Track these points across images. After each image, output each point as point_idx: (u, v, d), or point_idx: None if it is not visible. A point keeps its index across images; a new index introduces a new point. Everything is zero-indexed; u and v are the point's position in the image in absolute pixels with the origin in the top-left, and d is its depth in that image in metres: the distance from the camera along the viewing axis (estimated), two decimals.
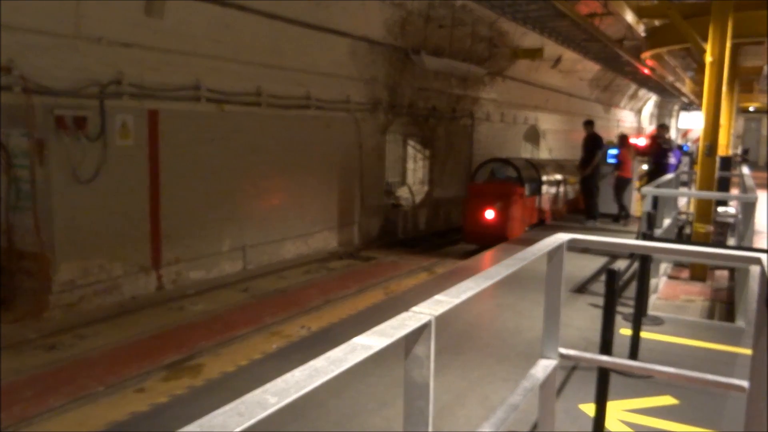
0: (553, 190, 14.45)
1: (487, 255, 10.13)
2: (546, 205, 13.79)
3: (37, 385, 5.71)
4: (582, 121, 13.52)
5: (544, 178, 13.76)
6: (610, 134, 24.86)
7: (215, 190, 9.58)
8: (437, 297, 1.94)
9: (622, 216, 13.28)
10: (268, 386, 1.22)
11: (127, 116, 8.16)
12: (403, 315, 1.73)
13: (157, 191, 8.64)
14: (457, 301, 1.95)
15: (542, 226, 13.25)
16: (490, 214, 11.77)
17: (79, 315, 7.54)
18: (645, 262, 5.30)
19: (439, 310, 1.82)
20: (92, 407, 5.21)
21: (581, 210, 14.00)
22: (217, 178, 9.58)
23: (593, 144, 12.69)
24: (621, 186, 13.14)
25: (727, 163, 13.87)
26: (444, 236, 14.63)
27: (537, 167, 13.60)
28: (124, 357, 6.43)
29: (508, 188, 12.04)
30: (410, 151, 15.71)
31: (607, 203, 13.38)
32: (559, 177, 14.95)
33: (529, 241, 2.81)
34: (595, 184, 12.98)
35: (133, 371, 5.97)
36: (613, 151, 13.66)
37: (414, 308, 1.80)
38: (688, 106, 35.73)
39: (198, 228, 9.34)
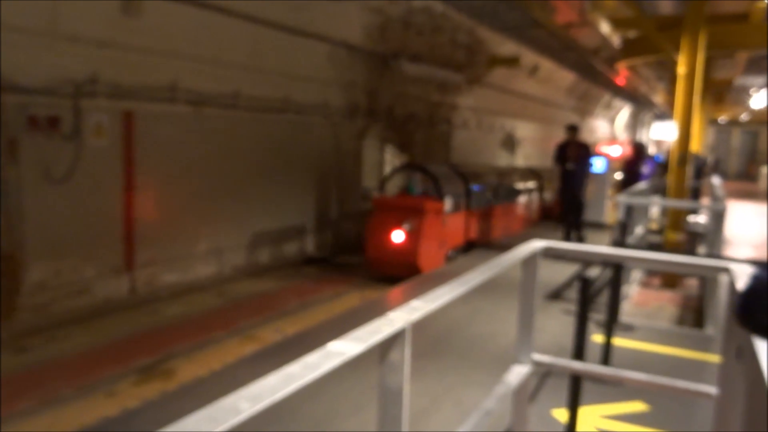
0: (503, 201, 12.72)
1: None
2: (481, 222, 11.80)
3: (5, 388, 5.58)
4: (565, 126, 11.78)
5: (479, 187, 11.77)
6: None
7: (191, 192, 9.49)
8: (413, 303, 1.95)
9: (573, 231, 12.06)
10: (242, 392, 1.22)
11: (103, 116, 8.06)
12: (379, 321, 1.74)
13: (131, 192, 8.54)
14: (432, 307, 1.97)
15: (479, 249, 11.40)
16: (398, 236, 9.47)
17: (50, 317, 7.41)
18: (617, 270, 5.38)
19: (415, 315, 1.83)
20: (62, 411, 5.12)
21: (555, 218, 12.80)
22: (193, 179, 9.49)
23: (587, 153, 11.27)
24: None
25: (699, 172, 14.16)
26: None
27: (466, 176, 11.29)
28: (96, 360, 6.34)
29: (421, 203, 9.67)
30: (388, 156, 15.74)
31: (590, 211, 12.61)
32: (520, 186, 13.55)
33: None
34: (584, 198, 11.49)
35: (105, 375, 5.88)
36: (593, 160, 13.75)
37: (390, 314, 1.81)
38: (661, 116, 36.34)
39: (173, 230, 9.24)
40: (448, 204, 10.23)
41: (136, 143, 8.50)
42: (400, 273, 9.33)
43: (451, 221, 10.42)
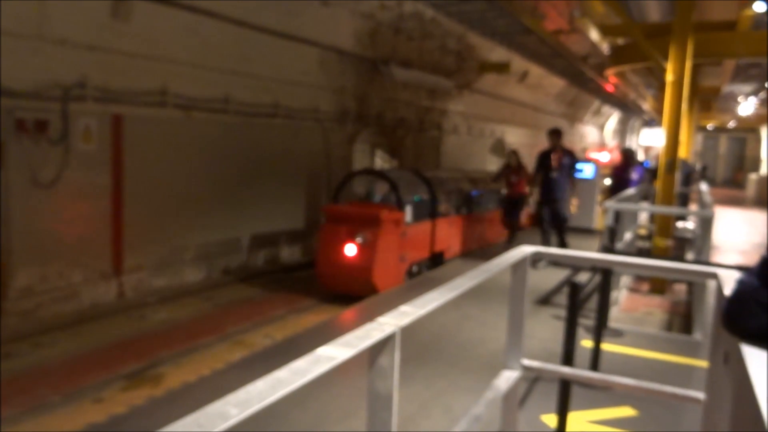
0: (482, 209, 11.92)
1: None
2: (453, 232, 10.83)
3: None
4: (547, 131, 10.32)
5: (451, 194, 10.90)
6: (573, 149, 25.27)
7: (180, 197, 9.45)
8: (402, 308, 1.95)
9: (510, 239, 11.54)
10: (230, 397, 1.21)
11: (91, 120, 8.01)
12: (368, 326, 1.73)
13: (120, 197, 8.48)
14: (422, 312, 1.97)
15: (456, 260, 10.64)
16: (350, 249, 8.52)
17: (37, 322, 7.34)
18: (606, 276, 5.40)
19: (404, 320, 1.82)
20: (48, 418, 5.07)
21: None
22: (182, 184, 9.45)
23: (572, 160, 9.94)
24: (514, 204, 11.67)
25: (688, 178, 14.27)
26: None
27: (431, 182, 10.15)
28: (83, 366, 6.28)
29: (376, 212, 8.61)
30: (378, 161, 15.76)
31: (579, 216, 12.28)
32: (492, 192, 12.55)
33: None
34: (566, 211, 10.17)
35: (92, 381, 5.83)
36: (581, 166, 13.80)
37: (379, 319, 1.80)
38: (650, 123, 36.61)
39: (162, 235, 9.20)
40: (408, 213, 9.23)
41: (125, 148, 8.46)
42: (354, 291, 8.46)
43: (414, 232, 9.38)
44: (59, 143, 7.63)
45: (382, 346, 1.72)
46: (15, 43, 7.02)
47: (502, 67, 16.88)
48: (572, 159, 9.91)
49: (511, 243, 11.11)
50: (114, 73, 8.19)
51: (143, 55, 8.51)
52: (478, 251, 11.42)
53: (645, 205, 11.79)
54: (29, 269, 7.45)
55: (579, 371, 3.24)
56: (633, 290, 9.15)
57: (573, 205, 9.96)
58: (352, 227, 8.53)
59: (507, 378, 2.84)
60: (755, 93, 25.78)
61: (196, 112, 9.52)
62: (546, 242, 9.74)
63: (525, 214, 13.30)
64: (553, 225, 9.90)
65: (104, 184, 8.29)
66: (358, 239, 8.41)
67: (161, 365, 6.35)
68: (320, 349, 1.53)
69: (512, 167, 11.64)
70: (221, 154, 10.09)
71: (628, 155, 13.69)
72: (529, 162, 11.88)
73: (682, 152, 12.62)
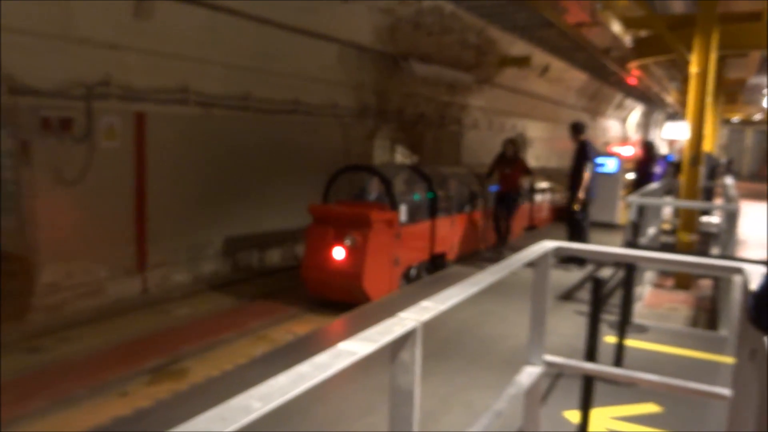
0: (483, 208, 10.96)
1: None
2: (456, 232, 10.05)
3: (18, 388, 5.64)
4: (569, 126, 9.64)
5: (452, 191, 10.09)
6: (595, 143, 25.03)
7: (201, 193, 9.53)
8: (423, 303, 1.94)
9: (498, 244, 10.56)
10: (253, 391, 1.22)
11: (114, 118, 8.11)
12: (390, 321, 1.73)
13: (143, 193, 8.58)
14: (442, 307, 1.96)
15: (459, 263, 9.88)
16: (338, 252, 7.87)
17: (63, 318, 7.46)
18: (630, 271, 5.34)
19: (425, 316, 1.82)
20: (74, 411, 5.16)
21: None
22: (203, 180, 9.54)
23: (583, 154, 9.11)
24: (505, 203, 10.56)
25: (713, 172, 14.06)
26: None
27: (430, 179, 9.41)
28: (108, 360, 6.37)
29: (366, 213, 7.93)
30: (398, 157, 15.75)
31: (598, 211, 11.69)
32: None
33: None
34: (585, 212, 9.28)
35: (117, 375, 5.92)
36: (604, 160, 13.61)
37: (400, 314, 1.80)
38: (673, 116, 36.10)
39: (184, 231, 9.29)
40: (403, 212, 8.50)
41: (148, 145, 8.55)
42: (343, 298, 7.88)
43: (410, 233, 8.66)
44: (83, 141, 7.73)
45: (403, 341, 1.73)
46: (40, 42, 7.13)
47: (522, 61, 16.74)
48: (582, 153, 9.15)
49: (496, 250, 10.23)
50: (136, 72, 8.28)
51: (165, 54, 8.59)
52: (484, 252, 10.75)
53: (669, 199, 11.62)
54: (55, 265, 7.58)
55: (602, 367, 3.21)
56: (657, 286, 9.04)
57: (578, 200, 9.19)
58: (340, 229, 7.90)
59: (529, 374, 2.82)
60: None
61: (217, 109, 9.59)
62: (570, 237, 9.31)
63: (521, 216, 12.00)
64: (568, 223, 9.50)
65: (127, 181, 8.40)
66: (347, 242, 7.78)
67: (185, 360, 6.43)
68: (341, 344, 1.53)
69: (507, 157, 10.34)
70: (241, 151, 10.15)
71: (649, 148, 13.53)
72: (552, 155, 11.54)
73: (707, 146, 12.44)
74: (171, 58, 8.70)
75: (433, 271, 9.34)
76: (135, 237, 8.56)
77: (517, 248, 3.20)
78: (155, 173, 8.70)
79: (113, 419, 4.46)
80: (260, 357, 5.65)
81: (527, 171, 10.57)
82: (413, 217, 8.77)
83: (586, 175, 9.00)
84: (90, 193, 7.88)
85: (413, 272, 8.89)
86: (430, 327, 1.81)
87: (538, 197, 14.03)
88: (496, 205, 10.61)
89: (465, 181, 10.77)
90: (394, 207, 8.35)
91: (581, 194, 9.07)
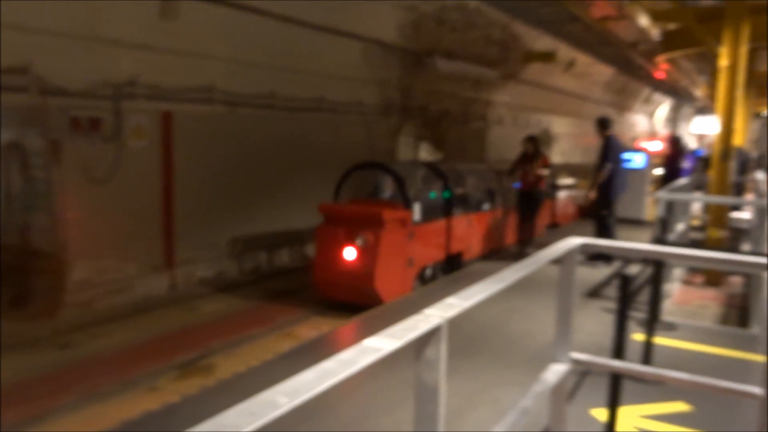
0: (510, 204, 10.64)
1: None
2: (473, 231, 9.76)
3: (50, 382, 5.76)
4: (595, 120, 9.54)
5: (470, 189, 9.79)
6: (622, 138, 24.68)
7: (227, 191, 9.62)
8: (448, 300, 1.94)
9: (523, 245, 10.17)
10: (280, 387, 1.23)
11: (142, 118, 8.22)
12: (415, 317, 1.73)
13: (170, 192, 8.69)
14: (467, 304, 1.96)
15: (476, 262, 9.59)
16: (349, 253, 7.64)
17: (93, 314, 7.60)
18: (658, 268, 5.27)
19: (450, 313, 1.82)
20: (105, 405, 5.25)
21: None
22: (229, 179, 9.62)
23: (606, 150, 9.06)
24: (528, 201, 10.29)
25: (743, 167, 13.78)
26: None
27: (446, 176, 9.18)
28: (137, 356, 6.48)
29: (378, 212, 7.71)
30: (422, 154, 15.72)
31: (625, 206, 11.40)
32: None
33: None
34: (610, 209, 9.23)
35: (146, 370, 6.01)
36: (631, 156, 13.39)
37: (426, 311, 1.80)
38: (703, 110, 35.45)
39: (210, 228, 9.39)
40: (417, 211, 8.23)
41: (174, 144, 8.66)
42: (355, 299, 7.66)
43: (424, 232, 8.40)
44: (112, 140, 7.86)
45: (429, 338, 1.72)
46: (69, 44, 7.26)
47: (547, 56, 16.58)
48: (605, 149, 9.06)
49: (520, 251, 9.89)
50: (163, 71, 8.38)
51: (191, 53, 8.68)
52: (506, 251, 10.54)
53: (698, 194, 11.42)
54: (86, 263, 7.72)
55: (630, 365, 3.18)
56: (686, 283, 8.90)
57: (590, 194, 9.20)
58: (351, 228, 7.66)
59: (555, 371, 2.80)
60: None
61: (242, 107, 9.67)
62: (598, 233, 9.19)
63: (545, 215, 11.72)
64: (595, 220, 9.43)
65: (155, 179, 8.52)
66: (358, 242, 7.55)
67: (212, 355, 6.50)
68: (367, 341, 1.54)
69: (528, 155, 10.15)
70: (267, 149, 10.22)
71: (677, 143, 13.31)
72: (578, 151, 11.38)
73: (737, 140, 12.19)
74: (197, 57, 8.79)
75: (449, 271, 9.13)
76: (163, 234, 8.68)
77: (540, 246, 3.18)
78: (182, 172, 8.80)
79: (143, 414, 4.53)
80: (286, 353, 5.69)
81: (546, 165, 10.30)
82: (428, 215, 8.50)
83: (603, 172, 8.98)
84: (119, 192, 8.00)
85: (428, 273, 8.67)
86: (455, 324, 1.81)
87: (562, 194, 13.88)
88: (519, 204, 10.41)
89: (483, 178, 10.54)
90: (408, 205, 8.12)
91: (592, 194, 9.15)
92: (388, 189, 8.72)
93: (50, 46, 7.06)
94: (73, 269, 7.59)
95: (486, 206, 10.23)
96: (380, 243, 7.51)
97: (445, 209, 9.00)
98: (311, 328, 7.39)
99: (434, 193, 9.04)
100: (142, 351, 6.67)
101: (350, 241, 7.61)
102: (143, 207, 8.41)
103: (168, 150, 8.61)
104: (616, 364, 3.22)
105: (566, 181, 14.40)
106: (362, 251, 7.54)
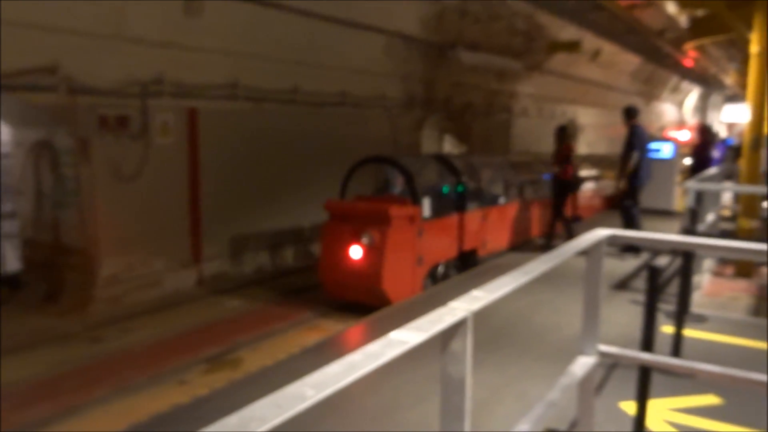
0: (531, 197, 10.48)
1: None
2: (483, 227, 9.27)
3: (82, 376, 5.88)
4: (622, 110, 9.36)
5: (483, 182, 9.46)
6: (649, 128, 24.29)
7: (253, 186, 9.69)
8: (474, 293, 1.93)
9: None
10: (306, 379, 1.24)
11: (168, 115, 8.32)
12: (440, 310, 1.73)
13: (197, 188, 8.79)
14: (493, 296, 1.95)
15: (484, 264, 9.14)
16: (355, 251, 7.36)
17: (123, 309, 7.73)
18: (688, 259, 5.18)
19: (476, 305, 1.81)
20: (136, 398, 5.35)
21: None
22: (254, 174, 9.69)
23: (630, 139, 8.96)
24: (562, 191, 10.21)
25: None
26: None
27: (458, 170, 8.83)
28: (166, 350, 6.58)
29: (385, 208, 7.40)
30: (447, 146, 15.65)
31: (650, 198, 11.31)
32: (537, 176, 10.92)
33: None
34: (635, 198, 9.15)
35: (175, 364, 6.10)
36: (659, 145, 13.16)
37: (451, 303, 1.80)
38: (733, 98, 34.73)
39: (236, 224, 9.47)
40: (427, 207, 7.93)
41: (200, 140, 8.74)
42: (362, 299, 7.47)
43: (435, 229, 8.10)
44: (139, 138, 7.96)
45: (454, 330, 1.72)
46: (96, 43, 7.36)
47: (572, 46, 16.36)
48: (630, 138, 8.96)
49: (547, 243, 9.80)
50: (188, 69, 8.46)
51: (215, 50, 8.75)
52: (524, 247, 10.29)
53: (728, 184, 11.21)
54: (115, 258, 7.84)
55: (659, 357, 3.13)
56: (716, 274, 8.75)
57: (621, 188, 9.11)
58: (357, 226, 7.37)
59: (583, 364, 2.78)
60: None
61: (266, 103, 9.72)
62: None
63: (572, 206, 11.49)
64: (621, 211, 9.32)
65: (182, 175, 8.61)
66: (364, 239, 7.26)
67: (239, 350, 6.58)
68: (392, 333, 1.54)
69: (558, 145, 10.28)
70: (291, 144, 10.26)
71: (706, 132, 13.05)
72: (605, 142, 11.25)
73: None
74: (221, 54, 8.85)
75: (462, 269, 8.86)
76: (190, 230, 8.78)
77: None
78: (208, 168, 8.89)
79: (173, 406, 4.60)
80: (312, 347, 5.73)
81: (566, 157, 10.13)
82: (438, 211, 8.19)
83: (631, 162, 8.88)
84: (146, 188, 8.11)
85: (440, 271, 8.39)
86: (481, 316, 1.80)
87: (585, 185, 13.67)
88: (558, 194, 10.21)
89: (499, 170, 10.26)
90: (416, 201, 7.80)
91: (621, 184, 9.08)
92: (398, 185, 8.49)
93: (78, 46, 7.17)
94: (102, 265, 7.72)
95: (502, 200, 9.96)
96: (387, 241, 7.24)
97: (457, 204, 8.71)
98: (336, 322, 7.42)
99: (447, 188, 8.77)
100: (172, 345, 6.77)
101: (356, 239, 7.34)
102: (171, 203, 8.52)
103: (194, 146, 8.70)
104: (645, 356, 3.18)
105: (590, 172, 14.20)
106: (368, 250, 7.27)
